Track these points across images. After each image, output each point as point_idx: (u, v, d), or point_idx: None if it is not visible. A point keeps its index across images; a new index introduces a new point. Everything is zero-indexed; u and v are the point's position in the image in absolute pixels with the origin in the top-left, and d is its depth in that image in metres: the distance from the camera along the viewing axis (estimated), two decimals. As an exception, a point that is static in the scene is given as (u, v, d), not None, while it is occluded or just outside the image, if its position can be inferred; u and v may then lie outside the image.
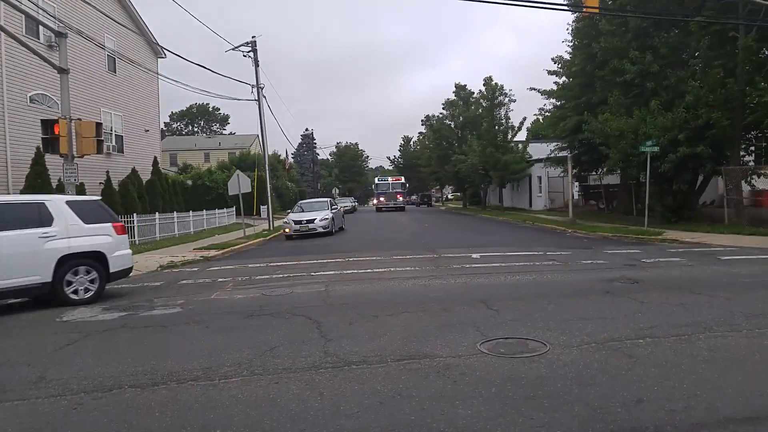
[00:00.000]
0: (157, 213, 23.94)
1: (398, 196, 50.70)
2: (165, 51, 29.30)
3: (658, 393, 4.26)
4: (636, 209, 22.45)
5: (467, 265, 11.82)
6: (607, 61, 21.21)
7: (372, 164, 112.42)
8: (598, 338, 5.75)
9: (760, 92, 16.06)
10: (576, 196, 32.35)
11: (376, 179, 57.11)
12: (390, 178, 55.73)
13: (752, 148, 20.22)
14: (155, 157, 29.42)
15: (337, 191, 75.58)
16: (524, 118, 40.28)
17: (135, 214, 21.75)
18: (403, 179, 54.65)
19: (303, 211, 24.49)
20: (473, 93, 47.21)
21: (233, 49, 26.89)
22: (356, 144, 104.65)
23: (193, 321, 7.56)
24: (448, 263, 12.30)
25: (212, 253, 17.01)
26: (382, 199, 51.50)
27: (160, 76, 30.04)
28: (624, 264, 11.17)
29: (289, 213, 26.10)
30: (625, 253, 12.92)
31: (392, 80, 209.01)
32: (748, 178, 18.51)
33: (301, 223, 22.74)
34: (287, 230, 22.82)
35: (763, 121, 16.89)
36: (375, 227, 27.91)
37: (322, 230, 22.70)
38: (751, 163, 20.68)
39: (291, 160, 70.19)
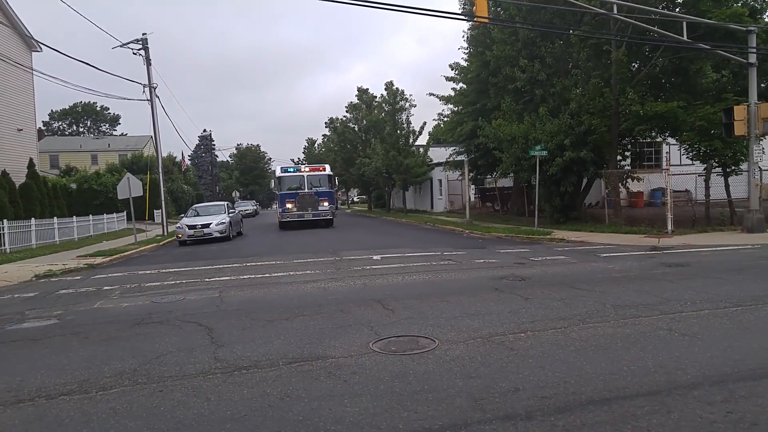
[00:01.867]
0: (33, 219, 21.90)
1: (322, 200, 27.67)
2: (41, 45, 26.92)
3: (533, 382, 4.62)
4: (528, 210, 23.97)
5: (368, 267, 12.02)
6: (500, 68, 22.51)
7: (275, 166, 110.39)
8: (483, 333, 6.12)
9: (630, 102, 17.87)
10: (473, 199, 33.91)
11: (277, 170, 30.43)
12: (305, 168, 30.22)
13: (627, 153, 22.39)
14: (31, 159, 26.94)
15: (238, 194, 73.29)
16: (425, 123, 41.66)
17: (5, 221, 19.76)
18: (328, 169, 29.90)
19: (198, 215, 23.55)
20: (375, 97, 47.99)
21: (121, 46, 25.28)
22: (258, 146, 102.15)
23: (71, 332, 7.05)
24: (349, 266, 12.43)
25: (98, 260, 15.90)
26: (289, 206, 27.46)
27: (35, 72, 27.52)
28: (514, 262, 11.92)
29: (182, 217, 24.95)
30: (516, 252, 13.79)
31: (296, 82, 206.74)
32: (624, 181, 20.45)
33: (196, 228, 21.86)
34: (180, 235, 21.82)
35: (634, 128, 18.75)
36: (276, 231, 27.48)
37: (219, 235, 21.98)
38: (627, 167, 22.89)
39: (188, 162, 67.07)
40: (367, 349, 5.69)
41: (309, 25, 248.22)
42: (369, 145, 45.96)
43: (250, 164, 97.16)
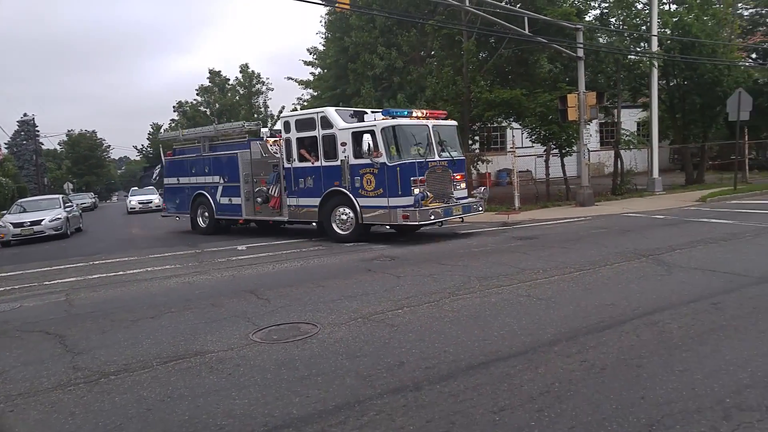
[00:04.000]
0: None
1: (456, 178, 12.76)
2: None
3: (416, 354, 4.89)
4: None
5: (234, 258, 11.63)
6: (359, 54, 22.91)
7: (115, 154, 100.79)
8: (363, 313, 6.30)
9: (480, 89, 19.29)
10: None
11: (369, 115, 13.14)
12: (422, 113, 12.72)
13: (476, 137, 24.15)
14: None
15: (71, 186, 65.84)
16: (283, 107, 40.94)
17: None
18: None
19: (25, 211, 20.76)
20: (229, 80, 46.05)
21: None
22: (94, 132, 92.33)
23: None
24: (213, 258, 11.92)
25: None
26: (417, 190, 11.59)
27: None
28: (382, 244, 12.33)
29: (5, 214, 21.78)
30: (384, 234, 14.26)
31: (139, 64, 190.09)
32: (475, 163, 22.08)
33: (24, 226, 19.25)
34: (3, 235, 19.05)
35: (484, 114, 20.28)
36: (122, 225, 25.27)
37: (54, 232, 19.58)
38: (477, 151, 24.70)
39: (4, 151, 58.51)
40: (247, 340, 5.56)
41: (150, 1, 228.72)
42: (223, 130, 44.08)
43: (85, 152, 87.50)
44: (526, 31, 17.26)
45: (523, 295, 6.74)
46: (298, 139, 13.31)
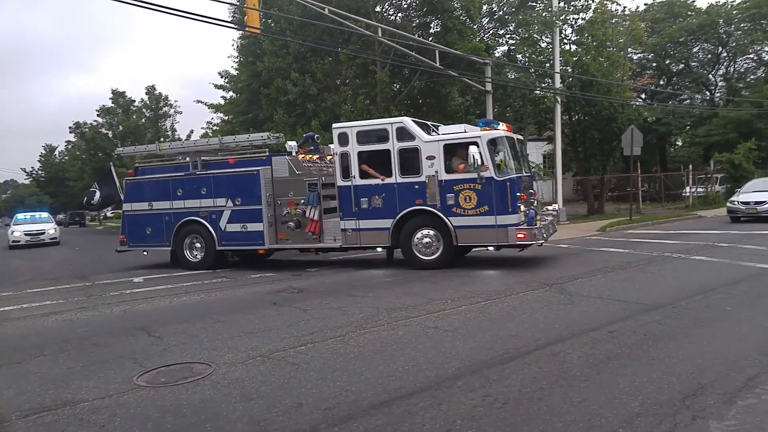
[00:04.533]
0: None
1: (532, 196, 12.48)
2: None
3: (316, 395, 4.65)
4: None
5: (127, 291, 10.80)
6: (272, 80, 22.66)
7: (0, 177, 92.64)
8: (263, 351, 5.97)
9: (394, 120, 19.70)
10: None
11: (468, 128, 12.01)
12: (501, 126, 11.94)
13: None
14: None
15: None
16: (191, 131, 39.52)
17: None
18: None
19: None
20: (134, 101, 43.93)
21: None
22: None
23: None
24: (103, 291, 11.02)
25: None
26: (523, 208, 11.12)
27: None
28: (292, 274, 11.98)
29: None
30: (293, 263, 13.90)
31: (30, 81, 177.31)
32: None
33: None
34: None
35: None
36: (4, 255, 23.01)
37: None
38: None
39: None
40: (130, 385, 5.06)
41: (44, 17, 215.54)
42: (126, 153, 41.82)
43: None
44: (437, 64, 17.84)
45: (430, 327, 6.69)
46: (359, 153, 11.74)
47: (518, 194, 10.76)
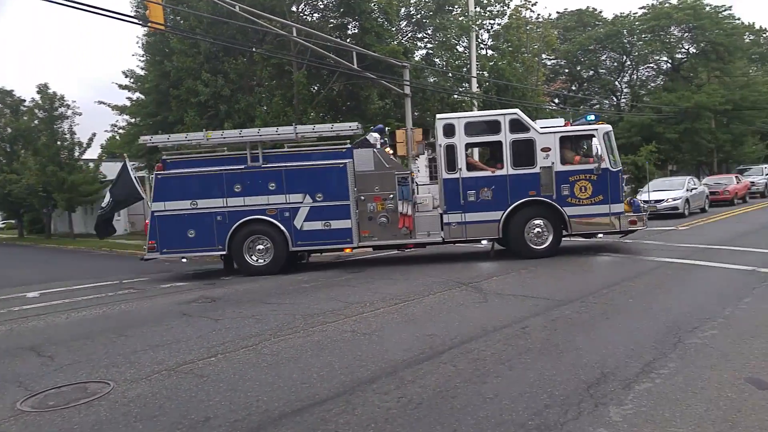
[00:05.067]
0: None
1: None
2: None
3: (225, 407, 4.49)
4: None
5: (17, 308, 9.99)
6: (182, 80, 21.81)
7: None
8: (169, 365, 5.70)
9: (311, 121, 19.52)
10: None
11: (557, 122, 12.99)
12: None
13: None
14: None
15: None
16: (94, 134, 37.14)
17: None
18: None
19: None
20: (24, 101, 40.81)
21: None
22: None
23: None
24: (-11, 309, 10.12)
25: None
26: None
27: None
28: (205, 283, 11.57)
29: None
30: (206, 271, 13.43)
31: None
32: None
33: None
34: None
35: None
36: None
37: None
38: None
39: None
40: (12, 411, 4.66)
41: None
42: (17, 157, 38.85)
43: None
44: (355, 66, 17.91)
45: (347, 331, 6.67)
46: (467, 144, 11.94)
47: (623, 185, 11.98)
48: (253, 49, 20.58)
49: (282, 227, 11.92)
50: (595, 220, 11.63)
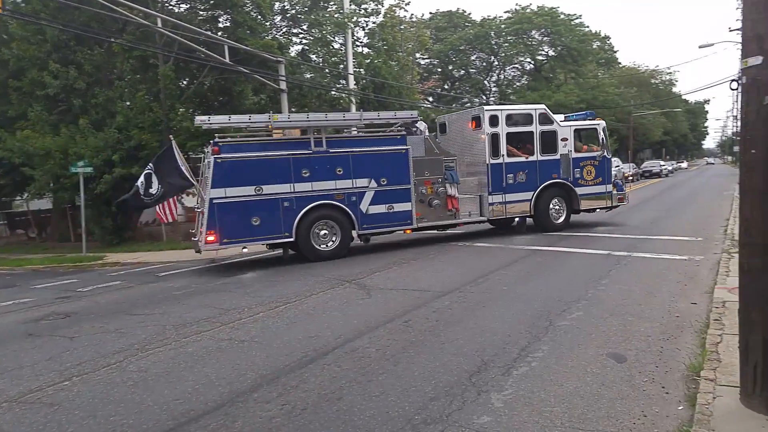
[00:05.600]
0: None
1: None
2: None
3: (82, 435, 4.01)
4: (75, 235, 21.69)
5: None
6: (25, 70, 19.57)
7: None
8: (11, 395, 5.00)
9: (181, 118, 18.40)
10: None
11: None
12: None
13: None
14: None
15: None
16: None
17: None
18: None
19: None
20: None
21: None
22: None
23: None
24: None
25: None
26: None
27: None
28: (56, 298, 10.41)
29: None
30: (59, 285, 12.10)
31: None
32: (180, 197, 20.81)
33: None
34: None
35: (187, 143, 19.34)
36: None
37: None
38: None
39: None
40: None
41: None
42: None
43: None
44: (227, 60, 17.16)
45: (225, 339, 6.30)
46: (507, 134, 13.34)
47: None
48: (112, 40, 18.95)
49: (349, 211, 12.16)
50: (596, 198, 14.22)
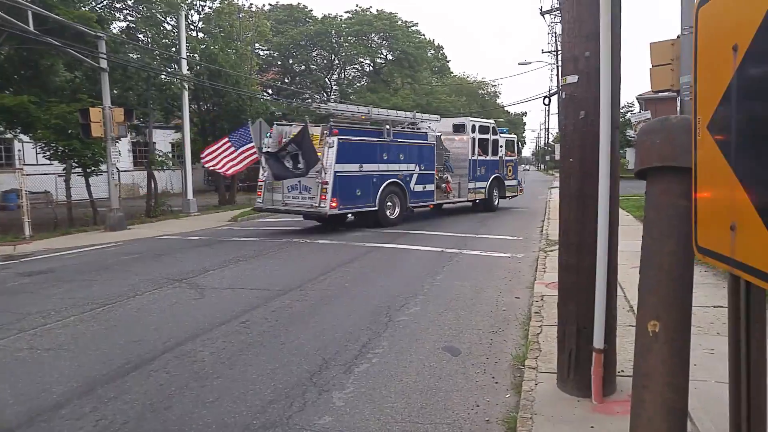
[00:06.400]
0: None
1: None
2: None
3: None
4: None
5: None
6: None
7: None
8: None
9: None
10: None
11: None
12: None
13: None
14: None
15: None
16: None
17: None
18: None
19: None
20: None
21: None
22: None
23: None
24: None
25: None
26: None
27: None
28: None
29: None
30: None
31: None
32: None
33: None
34: None
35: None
36: None
37: None
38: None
39: None
40: None
41: None
42: None
43: None
44: (32, 28, 15.02)
45: (24, 349, 5.44)
46: (477, 139, 18.35)
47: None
48: None
49: (405, 188, 15.71)
50: (512, 189, 20.45)
